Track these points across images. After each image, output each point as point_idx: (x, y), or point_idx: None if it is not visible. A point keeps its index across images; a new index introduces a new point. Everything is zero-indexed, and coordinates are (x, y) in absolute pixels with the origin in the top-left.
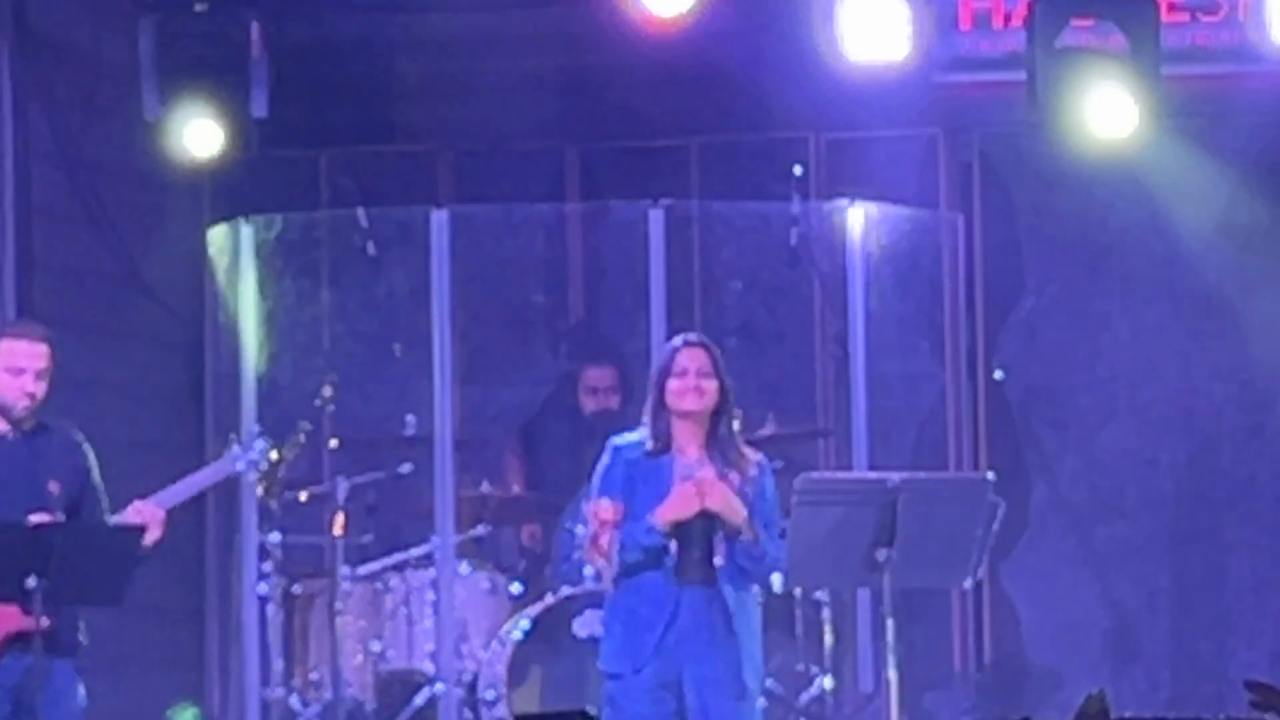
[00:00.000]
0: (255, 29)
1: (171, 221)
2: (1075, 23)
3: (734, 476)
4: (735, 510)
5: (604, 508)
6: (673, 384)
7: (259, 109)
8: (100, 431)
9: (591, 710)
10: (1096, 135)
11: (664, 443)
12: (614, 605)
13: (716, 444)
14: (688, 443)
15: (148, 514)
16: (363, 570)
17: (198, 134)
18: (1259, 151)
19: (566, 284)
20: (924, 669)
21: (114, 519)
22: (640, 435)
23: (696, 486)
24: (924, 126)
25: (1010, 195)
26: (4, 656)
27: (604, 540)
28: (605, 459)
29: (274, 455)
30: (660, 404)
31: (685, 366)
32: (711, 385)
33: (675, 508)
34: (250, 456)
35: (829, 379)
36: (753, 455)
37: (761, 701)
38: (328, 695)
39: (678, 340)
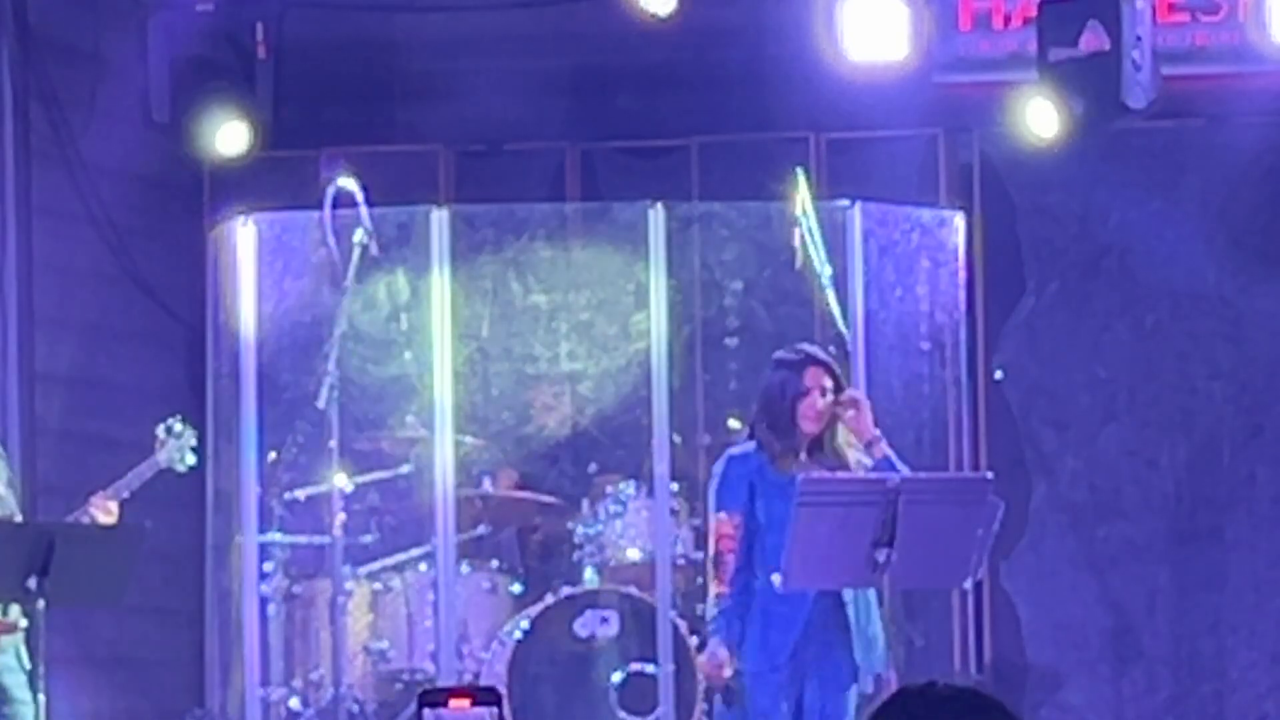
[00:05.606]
0: (260, 30)
1: (171, 221)
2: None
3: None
4: None
5: (724, 523)
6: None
7: (264, 109)
8: (100, 431)
9: None
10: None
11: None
12: (753, 605)
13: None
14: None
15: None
16: (363, 570)
17: (214, 134)
18: (1259, 151)
19: (567, 284)
20: (924, 669)
21: (73, 516)
22: (753, 447)
23: None
24: (924, 126)
25: (1010, 195)
26: None
27: (730, 561)
28: (722, 470)
29: (272, 456)
30: (792, 421)
31: (811, 385)
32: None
33: None
34: (175, 448)
35: None
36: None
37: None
38: (328, 695)
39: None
